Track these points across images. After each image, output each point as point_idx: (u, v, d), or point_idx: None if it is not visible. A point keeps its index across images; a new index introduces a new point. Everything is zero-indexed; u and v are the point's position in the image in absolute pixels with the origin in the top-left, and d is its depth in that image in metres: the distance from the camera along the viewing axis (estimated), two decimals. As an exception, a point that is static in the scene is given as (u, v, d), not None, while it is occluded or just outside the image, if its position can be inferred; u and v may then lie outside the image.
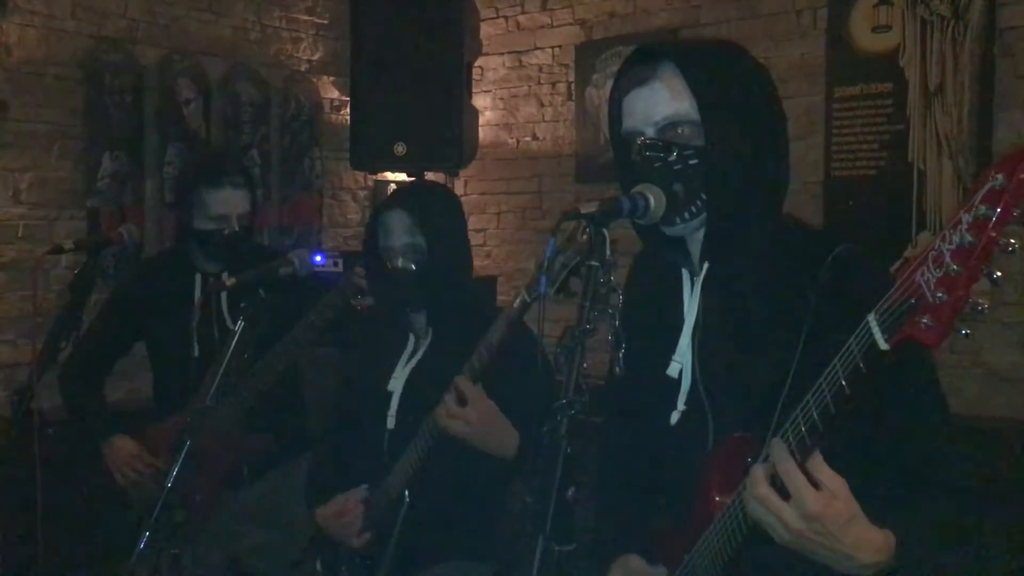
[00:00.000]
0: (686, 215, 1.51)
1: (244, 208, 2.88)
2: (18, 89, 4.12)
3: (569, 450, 1.32)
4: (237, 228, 2.85)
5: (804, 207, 4.09)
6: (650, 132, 1.51)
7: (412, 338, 2.41)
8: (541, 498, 1.32)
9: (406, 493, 2.22)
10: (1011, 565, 3.19)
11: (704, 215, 1.52)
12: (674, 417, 1.60)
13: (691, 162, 1.49)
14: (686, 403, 1.59)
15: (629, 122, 1.55)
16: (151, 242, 4.47)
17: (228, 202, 2.84)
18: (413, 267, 2.30)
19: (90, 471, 3.00)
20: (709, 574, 1.50)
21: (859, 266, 1.47)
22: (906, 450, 1.43)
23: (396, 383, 2.36)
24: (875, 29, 4.16)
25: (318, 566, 2.44)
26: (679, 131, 1.50)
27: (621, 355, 1.37)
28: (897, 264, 3.97)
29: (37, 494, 2.73)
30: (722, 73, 1.52)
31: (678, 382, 1.60)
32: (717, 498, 1.49)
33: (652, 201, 1.47)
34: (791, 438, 1.29)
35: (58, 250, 2.92)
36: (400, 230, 2.31)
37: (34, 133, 4.20)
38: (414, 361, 2.37)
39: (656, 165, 1.50)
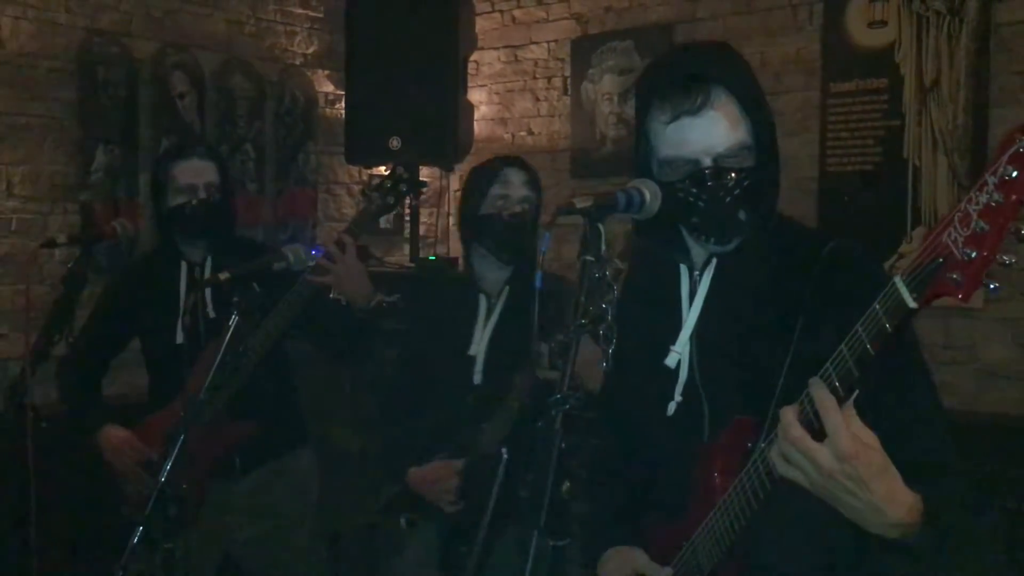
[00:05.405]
0: (739, 235, 1.55)
1: (212, 178, 2.92)
2: (11, 82, 4.11)
3: (564, 445, 1.32)
4: (205, 196, 2.87)
5: (799, 203, 4.09)
6: (707, 162, 1.51)
7: (484, 299, 2.59)
8: (535, 492, 1.31)
9: (503, 450, 2.27)
10: (1006, 561, 3.20)
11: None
12: (671, 408, 1.61)
13: (745, 183, 1.51)
14: (682, 394, 1.61)
15: (684, 150, 1.52)
16: (145, 237, 4.44)
17: (195, 171, 2.90)
18: (526, 218, 2.58)
19: (84, 466, 2.99)
20: (712, 557, 1.51)
21: (853, 260, 1.50)
22: (905, 436, 1.43)
23: (478, 346, 2.55)
24: (871, 24, 4.16)
25: (403, 523, 2.58)
26: (737, 158, 1.51)
27: (611, 351, 1.37)
28: (892, 260, 3.98)
29: (30, 489, 2.73)
30: (758, 89, 1.56)
31: (675, 373, 1.61)
32: (718, 479, 1.49)
33: (647, 196, 1.47)
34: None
35: (51, 244, 2.92)
36: (519, 183, 2.61)
37: (27, 126, 4.18)
38: (492, 321, 2.56)
39: (719, 194, 1.51)
